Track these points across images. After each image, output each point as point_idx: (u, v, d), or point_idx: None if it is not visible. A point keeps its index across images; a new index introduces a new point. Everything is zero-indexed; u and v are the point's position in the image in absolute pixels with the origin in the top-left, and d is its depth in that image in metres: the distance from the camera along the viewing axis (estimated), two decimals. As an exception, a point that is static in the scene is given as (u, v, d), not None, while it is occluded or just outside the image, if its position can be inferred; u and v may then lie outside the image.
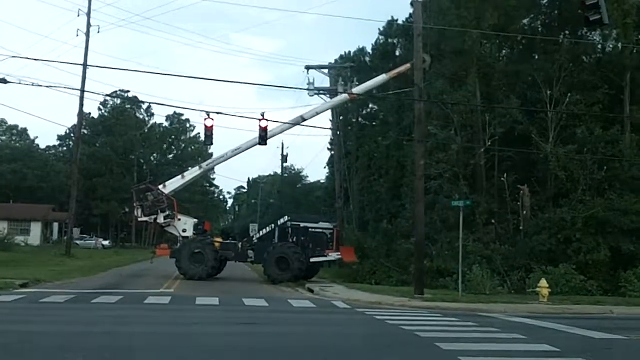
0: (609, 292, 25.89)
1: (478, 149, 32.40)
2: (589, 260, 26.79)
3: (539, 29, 36.75)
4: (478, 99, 33.06)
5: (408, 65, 29.55)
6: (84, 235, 70.18)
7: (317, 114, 31.34)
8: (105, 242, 70.30)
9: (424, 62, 28.71)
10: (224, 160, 31.53)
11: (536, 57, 35.50)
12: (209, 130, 24.78)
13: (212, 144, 26.22)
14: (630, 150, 30.10)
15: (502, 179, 30.90)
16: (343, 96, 32.41)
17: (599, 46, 34.26)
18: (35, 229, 61.57)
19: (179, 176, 31.69)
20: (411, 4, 26.55)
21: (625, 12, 30.24)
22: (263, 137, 25.32)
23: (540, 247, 27.92)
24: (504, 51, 38.33)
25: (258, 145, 26.84)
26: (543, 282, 21.62)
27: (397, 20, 48.62)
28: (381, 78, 31.18)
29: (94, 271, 30.93)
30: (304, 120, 30.45)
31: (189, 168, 34.62)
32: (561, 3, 35.61)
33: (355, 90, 32.29)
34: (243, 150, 30.13)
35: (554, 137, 30.72)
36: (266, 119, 25.08)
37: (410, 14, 39.97)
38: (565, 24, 35.24)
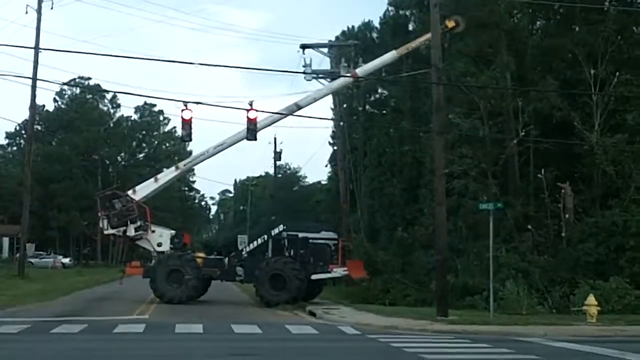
0: (669, 309, 25.82)
1: (509, 141, 32.41)
2: (645, 273, 26.75)
3: (580, -4, 36.73)
4: (508, 82, 33.05)
5: (425, 37, 29.44)
6: (40, 253, 70.34)
7: (315, 100, 31.58)
8: (66, 260, 70.41)
9: (458, 25, 28.61)
10: (205, 159, 31.66)
11: (577, 29, 35.43)
12: (187, 124, 24.82)
13: (191, 140, 26.32)
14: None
15: (540, 176, 30.86)
16: (345, 79, 32.46)
17: (653, 15, 34.22)
18: (-19, 245, 61.71)
19: (152, 179, 31.83)
20: (427, -32, 26.59)
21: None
22: (252, 131, 25.35)
23: (587, 257, 27.88)
24: (538, 23, 38.34)
25: (246, 141, 26.90)
26: (591, 300, 21.60)
27: (410, -13, 48.65)
28: (390, 56, 31.17)
29: (52, 295, 30.97)
30: (300, 108, 30.63)
31: (164, 169, 34.69)
32: (606, -36, 35.61)
33: (360, 71, 32.28)
34: (228, 146, 30.35)
35: (600, 124, 30.72)
36: (255, 110, 25.10)
37: (425, -20, 40.04)
38: (611, -11, 35.20)
